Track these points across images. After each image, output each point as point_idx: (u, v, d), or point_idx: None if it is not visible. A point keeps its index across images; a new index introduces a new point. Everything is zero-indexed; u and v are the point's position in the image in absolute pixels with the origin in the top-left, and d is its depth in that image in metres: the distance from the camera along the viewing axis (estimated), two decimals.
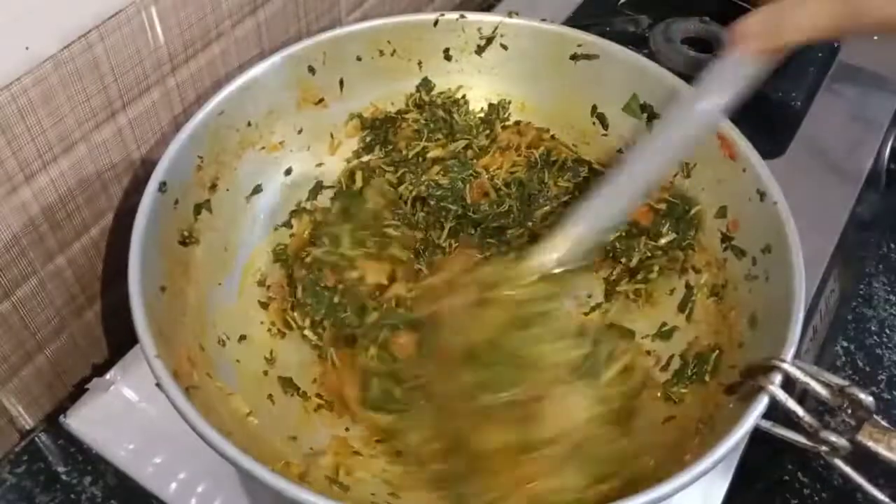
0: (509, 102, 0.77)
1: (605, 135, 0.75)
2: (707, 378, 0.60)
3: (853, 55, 0.95)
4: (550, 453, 0.50)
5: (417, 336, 0.60)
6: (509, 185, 0.72)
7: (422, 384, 0.56)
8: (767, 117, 0.84)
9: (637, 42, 0.91)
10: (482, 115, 0.77)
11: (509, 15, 0.74)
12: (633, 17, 0.95)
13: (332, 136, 0.75)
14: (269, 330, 0.67)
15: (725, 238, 0.66)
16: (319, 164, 0.74)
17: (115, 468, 0.62)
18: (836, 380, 0.52)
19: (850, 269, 0.81)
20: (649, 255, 0.68)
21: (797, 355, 0.53)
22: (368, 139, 0.75)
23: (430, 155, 0.73)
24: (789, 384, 0.52)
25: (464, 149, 0.74)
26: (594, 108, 0.75)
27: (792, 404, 0.51)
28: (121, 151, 0.63)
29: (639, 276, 0.68)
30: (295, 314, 0.66)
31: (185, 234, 0.62)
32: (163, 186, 0.59)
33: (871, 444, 0.55)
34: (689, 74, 0.86)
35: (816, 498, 0.66)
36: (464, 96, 0.77)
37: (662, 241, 0.69)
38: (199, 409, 0.49)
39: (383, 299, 0.65)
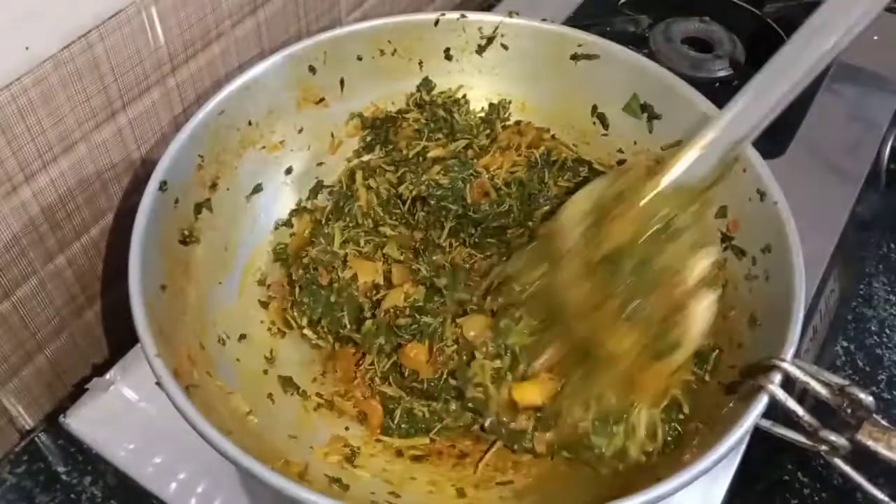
0: (510, 102, 0.77)
1: (605, 135, 0.75)
2: (707, 378, 0.60)
3: (853, 55, 0.95)
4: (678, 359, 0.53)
5: (426, 345, 0.62)
6: (509, 185, 0.72)
7: (546, 291, 0.58)
8: None
9: (637, 42, 0.91)
10: (482, 114, 0.77)
11: (510, 15, 0.74)
12: (633, 17, 0.95)
13: (332, 135, 0.75)
14: (269, 329, 0.67)
15: (725, 238, 0.65)
16: (320, 164, 0.74)
17: (115, 468, 0.62)
18: (836, 379, 0.52)
19: (850, 269, 0.81)
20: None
21: (797, 355, 0.53)
22: (369, 139, 0.76)
23: (431, 154, 0.73)
24: (789, 384, 0.52)
25: (464, 148, 0.74)
26: (594, 108, 0.75)
27: (792, 404, 0.51)
28: (121, 151, 0.63)
29: None
30: (294, 313, 0.66)
31: (186, 233, 0.62)
32: (163, 186, 0.59)
33: (870, 443, 0.55)
34: (689, 74, 0.87)
35: (816, 498, 0.66)
36: (464, 96, 0.77)
37: None
38: (200, 408, 0.49)
39: (381, 310, 0.65)
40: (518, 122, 0.77)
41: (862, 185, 0.83)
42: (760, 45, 0.94)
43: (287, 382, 0.64)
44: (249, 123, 0.68)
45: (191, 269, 0.62)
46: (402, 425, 0.62)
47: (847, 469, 0.55)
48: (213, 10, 0.64)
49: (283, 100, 0.70)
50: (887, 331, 0.78)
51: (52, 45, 0.53)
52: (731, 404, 0.55)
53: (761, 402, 0.51)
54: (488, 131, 0.76)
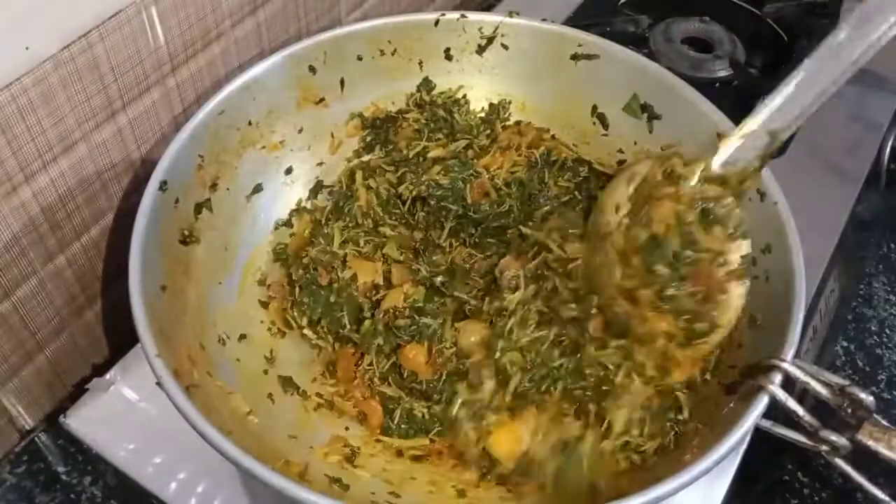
0: (510, 102, 0.77)
1: (605, 135, 0.75)
2: (707, 377, 0.60)
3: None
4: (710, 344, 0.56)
5: (425, 347, 0.62)
6: (510, 185, 0.72)
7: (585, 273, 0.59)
8: None
9: (637, 42, 0.91)
10: (483, 114, 0.77)
11: (510, 15, 0.74)
12: (633, 17, 0.95)
13: (332, 135, 0.75)
14: (269, 329, 0.67)
15: None
16: (320, 164, 0.74)
17: (115, 468, 0.62)
18: (837, 379, 0.52)
19: (850, 269, 0.81)
20: None
21: (797, 355, 0.53)
22: (369, 139, 0.75)
23: (431, 155, 0.73)
24: (789, 384, 0.52)
25: (464, 148, 0.74)
26: (594, 108, 0.75)
27: (792, 404, 0.51)
28: (121, 151, 0.63)
29: None
30: (294, 313, 0.66)
31: (186, 233, 0.62)
32: (163, 185, 0.59)
33: (871, 443, 0.55)
34: (689, 74, 0.87)
35: (816, 498, 0.66)
36: (464, 96, 0.77)
37: None
38: (200, 408, 0.49)
39: (380, 310, 0.65)
40: (518, 123, 0.77)
41: (862, 185, 0.83)
42: (760, 45, 0.94)
43: (287, 382, 0.64)
44: (249, 123, 0.68)
45: (191, 269, 0.62)
46: (402, 426, 0.62)
47: (848, 469, 0.55)
48: (213, 10, 0.64)
49: (283, 100, 0.70)
50: (887, 331, 0.78)
51: (52, 45, 0.53)
52: (731, 405, 0.55)
53: (761, 403, 0.51)
54: (488, 131, 0.76)
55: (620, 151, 0.74)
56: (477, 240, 0.70)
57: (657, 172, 0.58)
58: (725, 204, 0.55)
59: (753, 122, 0.56)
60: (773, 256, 0.60)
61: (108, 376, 0.65)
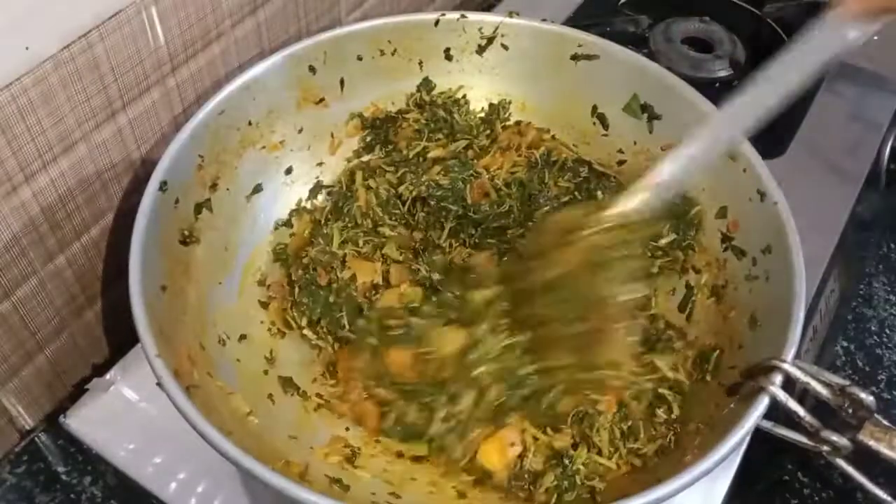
0: (510, 102, 0.77)
1: (605, 135, 0.75)
2: (708, 378, 0.60)
3: (853, 55, 0.95)
4: (601, 376, 0.57)
5: (412, 351, 0.62)
6: (510, 186, 0.72)
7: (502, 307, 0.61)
8: None
9: (637, 42, 0.91)
10: (483, 114, 0.77)
11: (510, 15, 0.74)
12: (633, 17, 0.95)
13: (332, 135, 0.75)
14: (269, 329, 0.67)
15: (725, 238, 0.66)
16: (320, 164, 0.74)
17: (115, 468, 0.62)
18: (837, 379, 0.52)
19: (850, 269, 0.81)
20: (649, 254, 0.68)
21: (797, 355, 0.53)
22: (369, 139, 0.75)
23: (431, 155, 0.73)
24: (790, 384, 0.52)
25: (464, 149, 0.74)
26: (594, 108, 0.75)
27: (793, 404, 0.51)
28: (121, 151, 0.63)
29: None
30: (294, 313, 0.66)
31: (186, 233, 0.62)
32: (163, 186, 0.59)
33: (872, 443, 0.55)
34: (689, 74, 0.87)
35: (816, 498, 0.66)
36: (464, 96, 0.77)
37: (662, 241, 0.68)
38: (200, 409, 0.49)
39: (374, 309, 0.65)
40: (518, 123, 0.77)
41: (862, 185, 0.83)
42: (760, 45, 0.94)
43: (287, 383, 0.64)
44: (249, 123, 0.68)
45: (191, 269, 0.62)
46: (397, 429, 0.62)
47: (849, 469, 0.55)
48: (213, 10, 0.64)
49: (283, 100, 0.70)
50: (887, 331, 0.78)
51: (52, 45, 0.53)
52: (731, 405, 0.55)
53: (762, 403, 0.51)
54: (488, 132, 0.76)
55: (620, 151, 0.74)
56: (477, 240, 0.70)
57: (577, 216, 0.59)
58: (629, 246, 0.57)
59: (663, 174, 0.57)
60: (773, 256, 0.60)
61: (108, 376, 0.65)
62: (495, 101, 0.77)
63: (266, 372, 0.64)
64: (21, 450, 0.66)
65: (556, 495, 0.57)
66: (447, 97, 0.76)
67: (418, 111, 0.76)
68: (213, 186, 0.65)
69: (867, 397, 0.51)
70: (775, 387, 0.51)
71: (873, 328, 0.78)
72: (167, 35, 0.61)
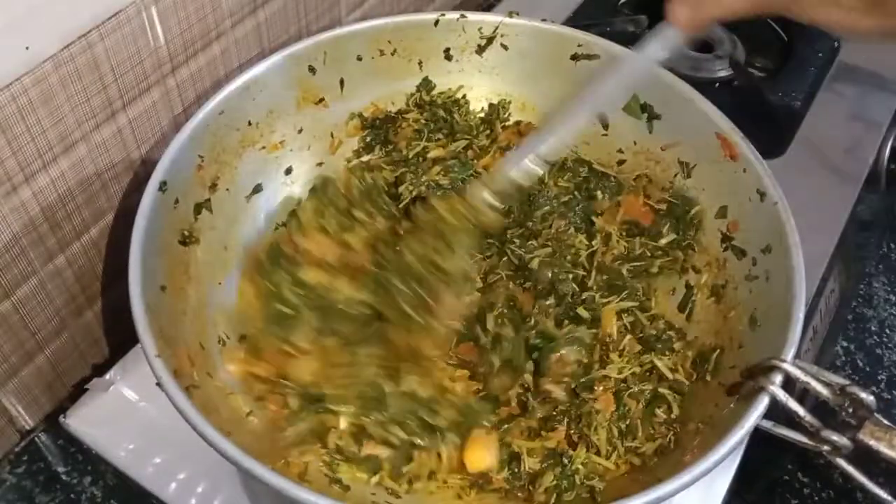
0: (509, 102, 0.77)
1: (605, 135, 0.75)
2: (708, 378, 0.60)
3: (853, 55, 0.95)
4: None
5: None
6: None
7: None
8: (767, 117, 0.84)
9: (637, 42, 0.91)
10: (482, 114, 0.77)
11: (510, 15, 0.74)
12: (633, 17, 0.95)
13: (332, 135, 0.75)
14: None
15: (725, 238, 0.66)
16: (320, 164, 0.74)
17: (115, 468, 0.62)
18: (837, 379, 0.52)
19: (850, 269, 0.81)
20: (649, 254, 0.68)
21: (797, 355, 0.53)
22: (369, 139, 0.75)
23: (431, 155, 0.73)
24: (790, 384, 0.52)
25: (464, 149, 0.74)
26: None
27: (793, 404, 0.51)
28: (121, 151, 0.63)
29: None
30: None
31: (186, 233, 0.62)
32: (163, 186, 0.59)
33: (872, 442, 0.55)
34: (689, 74, 0.87)
35: (816, 498, 0.66)
36: (464, 96, 0.77)
37: (662, 241, 0.69)
38: (200, 409, 0.49)
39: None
40: (518, 123, 0.77)
41: (862, 185, 0.83)
42: (760, 45, 0.94)
43: None
44: (249, 123, 0.68)
45: (191, 269, 0.62)
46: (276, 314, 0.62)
47: (850, 469, 0.55)
48: (213, 10, 0.64)
49: (283, 100, 0.70)
50: (887, 331, 0.78)
51: (52, 45, 0.53)
52: (731, 405, 0.55)
53: (762, 403, 0.51)
54: (488, 131, 0.76)
55: (620, 151, 0.74)
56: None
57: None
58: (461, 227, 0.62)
59: (509, 166, 0.63)
60: (773, 256, 0.60)
61: (108, 376, 0.65)
62: (495, 101, 0.77)
63: None
64: (21, 450, 0.66)
65: (555, 495, 0.57)
66: (447, 97, 0.76)
67: (418, 111, 0.76)
68: (213, 186, 0.65)
69: (867, 397, 0.51)
70: (775, 386, 0.51)
71: (873, 328, 0.78)
72: (167, 35, 0.61)
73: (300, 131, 0.72)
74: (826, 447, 0.52)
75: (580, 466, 0.58)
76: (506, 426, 0.61)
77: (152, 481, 0.61)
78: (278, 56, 0.68)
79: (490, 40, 0.75)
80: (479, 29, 0.74)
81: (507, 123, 0.77)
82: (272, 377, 0.61)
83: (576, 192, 0.72)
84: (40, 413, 0.68)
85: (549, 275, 0.67)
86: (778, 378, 0.52)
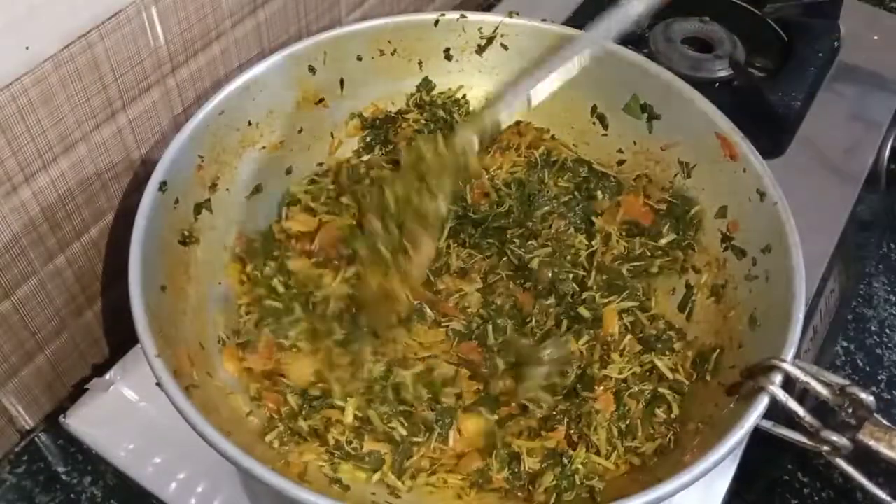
0: None
1: (605, 135, 0.75)
2: (707, 378, 0.60)
3: (853, 55, 0.95)
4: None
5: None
6: (509, 185, 0.72)
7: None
8: (767, 117, 0.84)
9: (637, 42, 0.91)
10: None
11: (510, 15, 0.74)
12: None
13: (332, 135, 0.75)
14: None
15: (725, 238, 0.66)
16: (320, 164, 0.74)
17: (115, 468, 0.62)
18: (837, 379, 0.52)
19: (850, 269, 0.81)
20: (649, 254, 0.69)
21: (797, 355, 0.53)
22: (369, 139, 0.76)
23: None
24: (790, 384, 0.52)
25: None
26: (594, 108, 0.75)
27: (793, 404, 0.51)
28: (121, 151, 0.63)
29: None
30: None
31: (186, 233, 0.62)
32: (163, 186, 0.59)
33: (872, 442, 0.55)
34: (689, 74, 0.87)
35: (816, 498, 0.66)
36: (464, 96, 0.77)
37: (662, 241, 0.69)
38: (199, 409, 0.49)
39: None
40: (518, 123, 0.77)
41: (862, 185, 0.83)
42: (760, 45, 0.94)
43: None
44: (249, 123, 0.68)
45: (191, 269, 0.62)
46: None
47: (849, 469, 0.55)
48: (213, 10, 0.64)
49: (283, 100, 0.70)
50: (887, 331, 0.78)
51: (52, 45, 0.53)
52: (731, 405, 0.55)
53: (762, 403, 0.51)
54: None
55: (620, 151, 0.74)
56: (477, 240, 0.70)
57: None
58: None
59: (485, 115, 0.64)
60: (773, 256, 0.60)
61: (108, 376, 0.65)
62: None
63: None
64: (21, 450, 0.66)
65: (555, 495, 0.57)
66: (447, 97, 0.76)
67: (418, 111, 0.76)
68: (213, 186, 0.65)
69: (867, 397, 0.51)
70: (775, 386, 0.51)
71: (873, 328, 0.78)
72: (167, 35, 0.61)
73: (300, 131, 0.72)
74: (826, 447, 0.52)
75: (580, 466, 0.58)
76: (506, 425, 0.61)
77: (152, 481, 0.61)
78: (278, 56, 0.68)
79: (490, 40, 0.75)
80: (479, 29, 0.74)
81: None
82: (267, 372, 0.61)
83: (576, 192, 0.72)
84: (40, 413, 0.68)
85: (549, 275, 0.67)
86: (778, 378, 0.52)
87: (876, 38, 0.99)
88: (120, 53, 0.58)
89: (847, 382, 0.51)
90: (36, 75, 0.53)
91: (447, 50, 0.75)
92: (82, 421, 0.63)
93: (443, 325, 0.66)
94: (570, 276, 0.68)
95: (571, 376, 0.63)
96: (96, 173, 0.62)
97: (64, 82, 0.55)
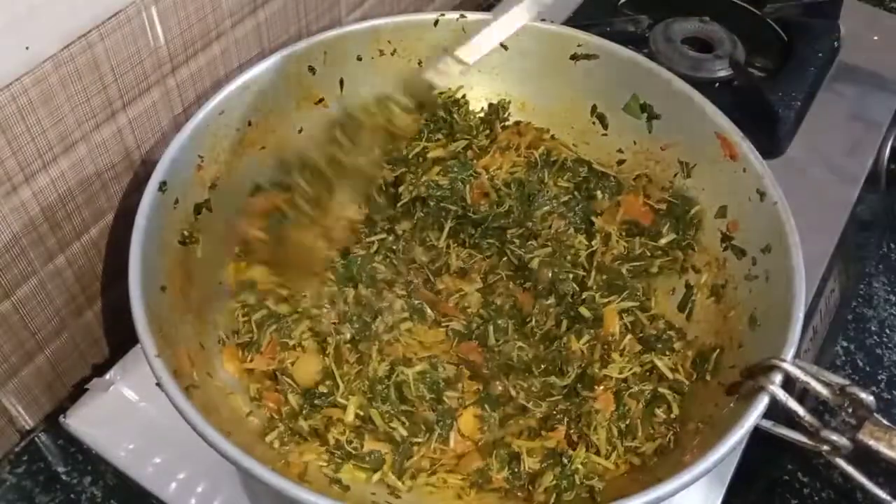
0: (509, 102, 0.77)
1: (605, 135, 0.75)
2: (707, 378, 0.60)
3: (853, 55, 0.95)
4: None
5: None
6: (509, 186, 0.72)
7: None
8: (767, 117, 0.84)
9: (637, 42, 0.91)
10: (482, 115, 0.77)
11: None
12: (633, 17, 0.95)
13: None
14: None
15: (725, 238, 0.66)
16: None
17: (115, 468, 0.62)
18: (837, 379, 0.52)
19: (850, 269, 0.81)
20: (649, 254, 0.69)
21: (797, 355, 0.53)
22: None
23: (431, 155, 0.73)
24: (790, 384, 0.52)
25: (464, 149, 0.74)
26: (594, 108, 0.75)
27: (793, 404, 0.51)
28: (121, 151, 0.63)
29: None
30: None
31: (186, 233, 0.62)
32: (163, 186, 0.59)
33: (872, 442, 0.55)
34: (689, 74, 0.87)
35: (816, 498, 0.66)
36: (464, 96, 0.77)
37: (662, 241, 0.69)
38: (199, 409, 0.49)
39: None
40: (518, 123, 0.77)
41: (862, 185, 0.83)
42: (760, 45, 0.94)
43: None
44: (249, 123, 0.68)
45: (191, 269, 0.62)
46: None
47: (849, 469, 0.55)
48: (213, 10, 0.64)
49: (283, 100, 0.70)
50: (887, 331, 0.78)
51: (52, 45, 0.53)
52: (731, 405, 0.55)
53: (762, 403, 0.51)
54: (488, 132, 0.76)
55: (620, 151, 0.74)
56: (476, 240, 0.70)
57: None
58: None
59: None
60: (773, 256, 0.60)
61: (108, 376, 0.65)
62: (495, 101, 0.77)
63: None
64: (21, 450, 0.66)
65: (555, 495, 0.57)
66: (447, 97, 0.76)
67: (418, 111, 0.76)
68: (213, 186, 0.65)
69: (867, 397, 0.51)
70: (775, 386, 0.51)
71: (873, 328, 0.78)
72: (167, 35, 0.61)
73: (300, 131, 0.72)
74: (826, 447, 0.52)
75: (580, 466, 0.58)
76: (506, 425, 0.61)
77: (152, 481, 0.61)
78: (278, 56, 0.68)
79: None
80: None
81: (506, 123, 0.77)
82: (270, 371, 0.61)
83: (576, 192, 0.72)
84: (40, 413, 0.68)
85: (549, 275, 0.67)
86: (778, 378, 0.52)
87: (876, 38, 0.99)
88: (120, 53, 0.58)
89: (847, 382, 0.51)
90: (36, 75, 0.53)
91: (447, 50, 0.75)
92: (82, 421, 0.63)
93: (443, 325, 0.66)
94: (570, 276, 0.67)
95: (572, 376, 0.63)
96: (96, 173, 0.62)
97: (64, 82, 0.55)
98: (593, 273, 0.68)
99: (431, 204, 0.70)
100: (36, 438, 0.67)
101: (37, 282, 0.61)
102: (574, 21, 0.93)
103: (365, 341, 0.63)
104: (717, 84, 0.89)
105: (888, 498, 0.58)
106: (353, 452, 0.58)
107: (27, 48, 0.51)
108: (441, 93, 0.76)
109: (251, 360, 0.62)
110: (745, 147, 0.64)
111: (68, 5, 0.53)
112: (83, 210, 0.62)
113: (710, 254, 0.67)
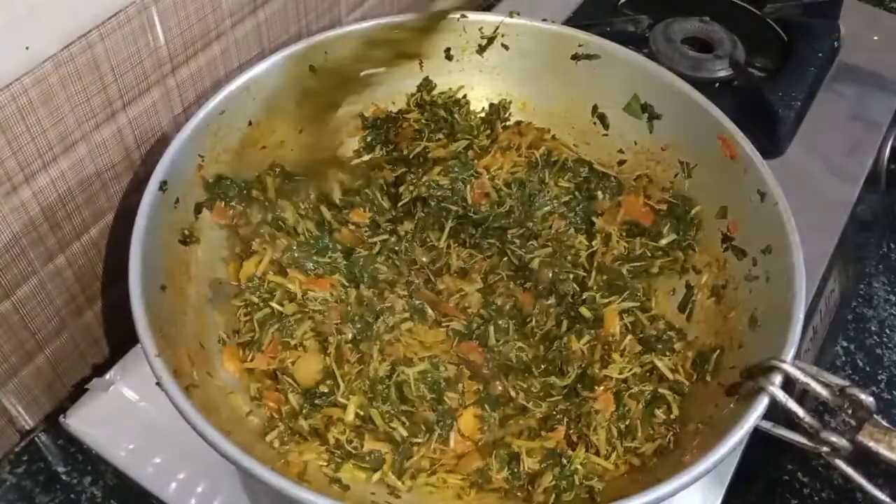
0: (510, 102, 0.77)
1: (605, 135, 0.75)
2: (707, 378, 0.60)
3: (853, 55, 0.95)
4: None
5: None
6: (510, 186, 0.72)
7: None
8: (767, 117, 0.84)
9: (637, 42, 0.91)
10: (483, 114, 0.77)
11: (510, 15, 0.74)
12: (633, 17, 0.95)
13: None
14: None
15: (726, 238, 0.66)
16: None
17: (115, 468, 0.62)
18: (837, 380, 0.52)
19: (850, 269, 0.81)
20: (650, 254, 0.69)
21: (797, 356, 0.53)
22: (369, 139, 0.76)
23: (431, 155, 0.73)
24: (789, 385, 0.52)
25: (464, 149, 0.74)
26: (595, 108, 0.75)
27: (792, 405, 0.51)
28: (121, 151, 0.63)
29: None
30: None
31: (186, 233, 0.62)
32: (163, 186, 0.59)
33: (871, 444, 0.55)
34: (689, 74, 0.87)
35: (816, 498, 0.66)
36: (465, 96, 0.77)
37: (663, 241, 0.69)
38: (199, 408, 0.49)
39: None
40: (518, 123, 0.77)
41: (862, 185, 0.83)
42: (760, 45, 0.94)
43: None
44: (249, 123, 0.68)
45: (191, 268, 0.62)
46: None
47: (848, 470, 0.55)
48: (213, 10, 0.64)
49: (284, 100, 0.70)
50: (887, 331, 0.78)
51: (52, 45, 0.53)
52: (731, 405, 0.55)
53: (762, 404, 0.51)
54: (489, 132, 0.76)
55: (620, 151, 0.74)
56: (477, 240, 0.70)
57: None
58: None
59: None
60: (773, 256, 0.60)
61: (108, 376, 0.65)
62: (495, 101, 0.77)
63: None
64: (21, 450, 0.66)
65: (554, 495, 0.57)
66: (447, 97, 0.76)
67: (419, 111, 0.76)
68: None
69: (867, 398, 0.51)
70: (775, 387, 0.51)
71: (873, 328, 0.78)
72: (167, 35, 0.61)
73: (300, 131, 0.72)
74: (825, 448, 0.52)
75: (579, 467, 0.58)
76: (506, 425, 0.61)
77: (152, 481, 0.61)
78: (278, 56, 0.68)
79: (491, 40, 0.75)
80: (480, 29, 0.74)
81: (507, 123, 0.77)
82: (270, 371, 0.61)
83: (576, 192, 0.72)
84: (40, 413, 0.68)
85: (550, 275, 0.67)
86: (778, 378, 0.52)
87: (876, 38, 0.99)
88: (120, 53, 0.58)
89: (847, 383, 0.51)
90: (36, 75, 0.53)
91: (447, 50, 0.75)
92: (82, 421, 0.63)
93: (443, 325, 0.66)
94: (571, 276, 0.67)
95: (572, 376, 0.63)
96: (96, 173, 0.62)
97: (64, 82, 0.55)
98: (594, 273, 0.68)
99: (432, 204, 0.70)
100: (36, 438, 0.67)
101: (37, 282, 0.61)
102: (574, 21, 0.93)
103: (366, 341, 0.63)
104: (717, 84, 0.89)
105: (888, 500, 0.58)
106: (353, 452, 0.58)
107: (27, 48, 0.51)
108: (442, 92, 0.76)
109: (252, 360, 0.61)
110: (746, 147, 0.64)
111: (68, 5, 0.53)
112: (83, 210, 0.62)
113: (710, 254, 0.67)
